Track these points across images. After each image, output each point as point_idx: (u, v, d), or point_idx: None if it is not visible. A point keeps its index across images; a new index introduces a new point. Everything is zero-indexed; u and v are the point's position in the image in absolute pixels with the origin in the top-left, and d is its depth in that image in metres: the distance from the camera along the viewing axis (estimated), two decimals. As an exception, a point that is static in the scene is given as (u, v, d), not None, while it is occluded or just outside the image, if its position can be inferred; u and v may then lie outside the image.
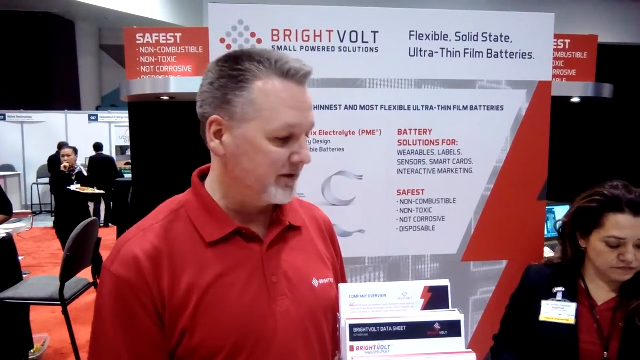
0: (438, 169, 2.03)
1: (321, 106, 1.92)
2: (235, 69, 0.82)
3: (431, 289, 0.78)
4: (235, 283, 0.84)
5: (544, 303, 1.23)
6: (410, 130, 2.00)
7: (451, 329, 0.73)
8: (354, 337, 0.73)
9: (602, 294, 1.24)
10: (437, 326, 0.72)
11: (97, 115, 10.44)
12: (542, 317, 1.22)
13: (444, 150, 2.03)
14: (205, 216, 0.87)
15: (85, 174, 6.06)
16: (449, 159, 2.03)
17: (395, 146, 1.99)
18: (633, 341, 1.15)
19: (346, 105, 1.95)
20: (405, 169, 2.01)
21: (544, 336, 1.22)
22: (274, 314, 0.85)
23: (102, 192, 6.30)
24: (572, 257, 1.27)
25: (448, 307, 0.78)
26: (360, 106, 1.96)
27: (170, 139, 2.59)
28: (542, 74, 2.07)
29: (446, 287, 0.79)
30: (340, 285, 0.85)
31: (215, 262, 0.84)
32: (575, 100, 2.47)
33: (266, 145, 0.82)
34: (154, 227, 0.86)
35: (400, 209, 2.02)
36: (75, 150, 5.88)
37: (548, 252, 2.30)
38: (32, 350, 3.34)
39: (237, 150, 0.83)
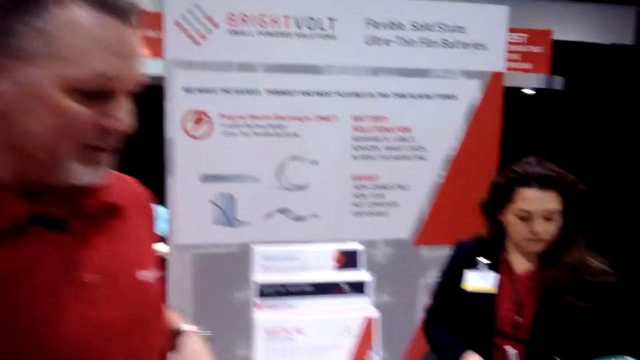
0: (392, 156, 2.07)
1: (277, 91, 1.94)
2: None
3: (344, 253, 0.81)
4: (33, 290, 0.62)
5: (469, 274, 1.29)
6: (366, 117, 2.03)
7: (357, 288, 0.76)
8: (261, 296, 0.75)
9: (522, 264, 1.30)
10: (343, 286, 0.75)
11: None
12: (467, 286, 1.28)
13: (398, 137, 2.07)
14: None
15: None
16: (403, 146, 2.07)
17: (351, 132, 2.02)
18: (546, 308, 1.22)
19: (302, 91, 1.97)
20: (360, 155, 2.04)
21: (468, 304, 1.29)
22: (90, 325, 0.65)
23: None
24: (494, 231, 1.33)
25: (359, 270, 0.82)
26: (317, 92, 1.98)
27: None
28: (495, 64, 2.12)
29: (357, 251, 0.82)
30: (254, 247, 0.86)
31: None
32: (528, 92, 2.55)
33: (61, 100, 0.59)
34: None
35: (355, 194, 2.05)
36: None
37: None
38: None
39: (16, 104, 0.59)
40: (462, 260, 1.34)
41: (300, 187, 1.99)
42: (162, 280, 0.81)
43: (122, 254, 0.73)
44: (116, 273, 0.70)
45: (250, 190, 1.95)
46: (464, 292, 1.29)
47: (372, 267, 2.03)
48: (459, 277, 1.32)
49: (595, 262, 1.22)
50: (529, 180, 1.22)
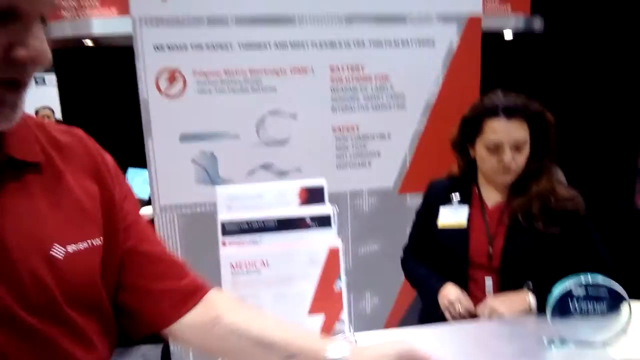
0: (372, 105, 2.06)
1: (250, 44, 1.90)
2: None
3: (308, 189, 0.81)
4: None
5: (442, 209, 1.32)
6: (343, 66, 2.00)
7: (321, 221, 0.77)
8: (225, 233, 0.76)
9: (492, 197, 1.33)
10: (307, 220, 0.77)
11: (44, 78, 9.93)
12: (440, 222, 1.31)
13: (376, 86, 2.05)
14: None
15: None
16: (382, 95, 2.06)
17: (328, 83, 2.00)
18: (514, 237, 1.25)
19: (275, 43, 1.93)
20: (339, 106, 2.03)
21: (442, 239, 1.32)
22: None
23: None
24: (466, 166, 1.35)
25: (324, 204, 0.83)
26: (290, 43, 1.94)
27: (98, 88, 2.51)
28: (472, 7, 2.08)
29: (322, 187, 0.83)
30: (217, 187, 0.85)
31: None
32: (508, 36, 2.51)
33: None
34: None
35: (336, 146, 2.05)
36: (52, 111, 5.41)
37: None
38: None
39: None
40: (436, 198, 1.36)
41: (281, 142, 1.99)
42: (109, 252, 0.65)
43: (31, 223, 0.57)
44: (16, 246, 0.55)
45: (231, 147, 1.94)
46: (438, 228, 1.32)
47: (358, 217, 2.08)
48: (432, 215, 1.34)
49: (563, 190, 1.24)
50: (496, 111, 1.23)
